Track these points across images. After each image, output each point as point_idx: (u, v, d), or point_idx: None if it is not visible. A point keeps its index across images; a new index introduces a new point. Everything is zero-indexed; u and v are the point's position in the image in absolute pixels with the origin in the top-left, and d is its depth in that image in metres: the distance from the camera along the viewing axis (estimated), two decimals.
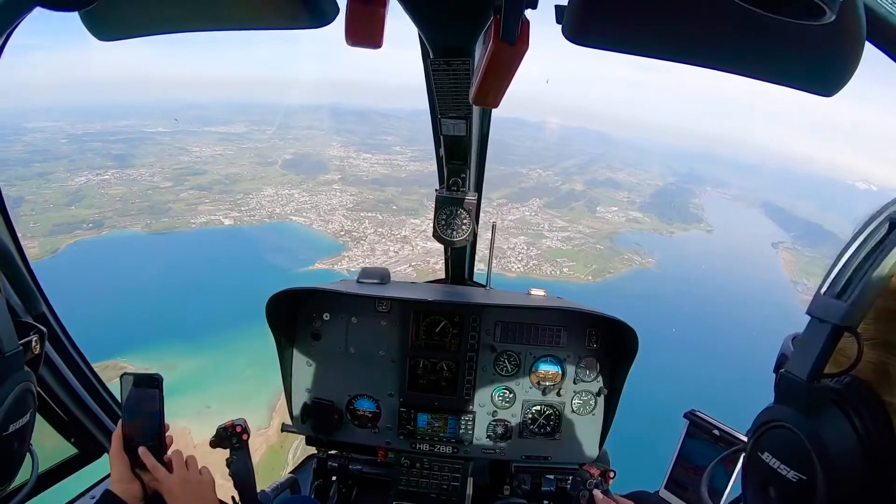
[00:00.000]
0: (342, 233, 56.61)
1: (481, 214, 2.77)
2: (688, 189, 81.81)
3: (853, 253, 0.64)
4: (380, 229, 57.40)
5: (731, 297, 49.56)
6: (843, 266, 0.64)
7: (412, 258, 51.00)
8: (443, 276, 3.50)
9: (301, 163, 77.67)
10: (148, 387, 1.57)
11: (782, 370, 0.69)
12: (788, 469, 0.64)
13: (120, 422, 1.57)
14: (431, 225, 2.78)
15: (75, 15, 1.00)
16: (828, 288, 0.65)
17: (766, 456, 0.68)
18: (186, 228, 54.73)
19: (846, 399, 0.61)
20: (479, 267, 3.34)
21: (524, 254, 53.90)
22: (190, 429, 22.98)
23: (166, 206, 57.97)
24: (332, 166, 75.57)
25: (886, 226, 0.62)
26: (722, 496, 1.88)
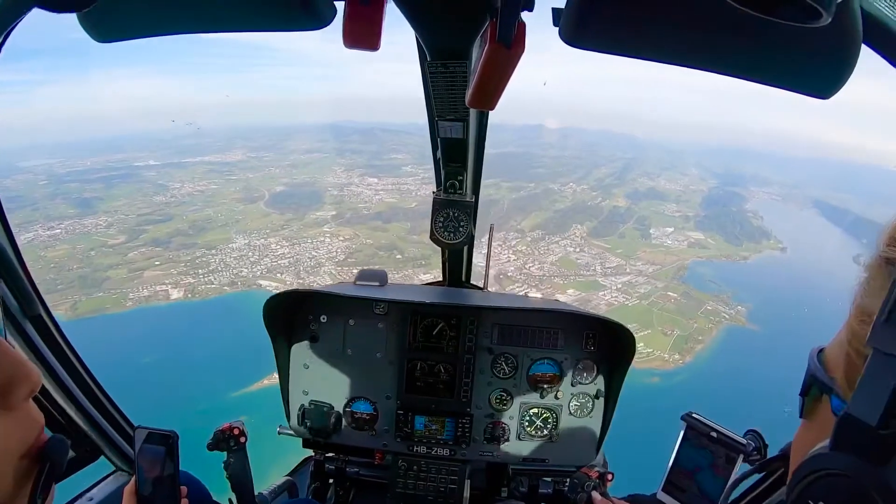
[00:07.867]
0: None
1: (485, 222, 2.82)
2: (735, 193, 71.35)
3: None
4: None
5: None
6: None
7: None
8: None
9: (292, 196, 66.03)
10: (158, 444, 1.55)
11: (846, 412, 0.56)
12: None
13: (133, 478, 1.58)
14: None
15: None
16: (889, 314, 0.52)
17: None
18: (119, 309, 42.13)
19: None
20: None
21: None
22: None
23: (105, 275, 45.76)
24: (327, 198, 63.79)
25: None
26: (717, 500, 1.82)
